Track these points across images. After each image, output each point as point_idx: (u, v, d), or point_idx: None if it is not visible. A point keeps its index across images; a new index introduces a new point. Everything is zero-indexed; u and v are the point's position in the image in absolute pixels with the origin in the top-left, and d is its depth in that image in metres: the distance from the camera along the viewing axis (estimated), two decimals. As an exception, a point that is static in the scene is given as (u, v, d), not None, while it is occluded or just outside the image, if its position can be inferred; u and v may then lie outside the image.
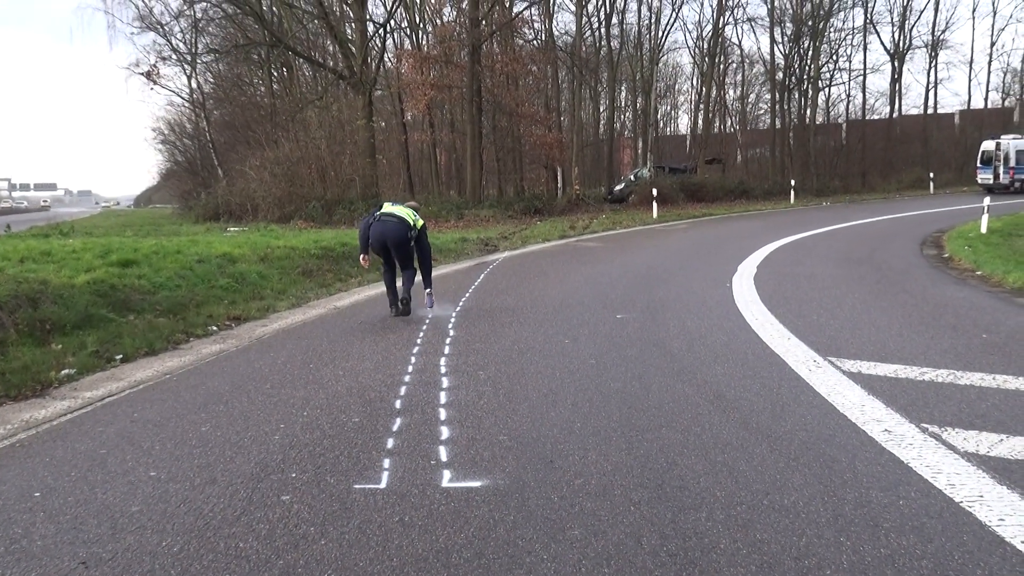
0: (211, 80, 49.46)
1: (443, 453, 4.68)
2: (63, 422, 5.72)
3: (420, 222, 9.99)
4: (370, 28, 32.44)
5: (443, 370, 6.77)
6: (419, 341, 8.05)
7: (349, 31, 34.32)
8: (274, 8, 36.32)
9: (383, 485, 4.22)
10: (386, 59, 39.92)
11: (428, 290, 10.08)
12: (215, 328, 9.23)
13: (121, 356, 7.68)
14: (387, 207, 9.98)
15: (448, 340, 8.06)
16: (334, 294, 12.01)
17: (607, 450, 4.64)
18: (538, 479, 4.22)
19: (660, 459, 4.47)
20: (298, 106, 33.99)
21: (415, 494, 4.08)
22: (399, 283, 9.90)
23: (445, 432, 5.07)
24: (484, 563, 3.34)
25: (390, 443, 4.89)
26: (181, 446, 5.00)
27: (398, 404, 5.77)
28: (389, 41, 39.76)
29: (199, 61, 45.61)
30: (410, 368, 6.88)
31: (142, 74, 35.14)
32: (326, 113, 31.36)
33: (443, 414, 5.47)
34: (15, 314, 8.32)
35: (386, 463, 4.54)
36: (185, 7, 36.47)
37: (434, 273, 10.74)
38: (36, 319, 8.35)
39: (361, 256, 10.18)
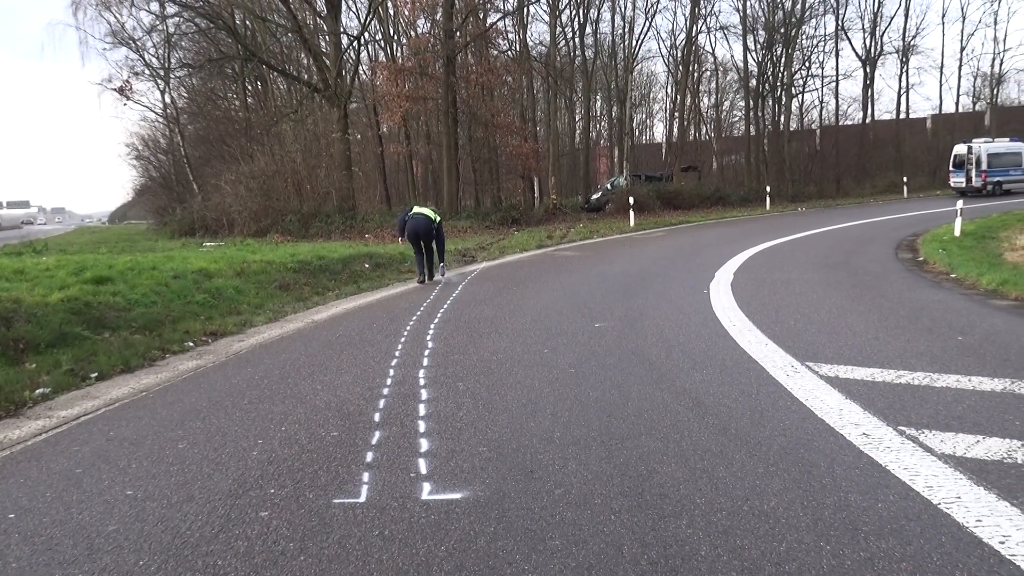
0: (185, 95, 49.20)
1: (423, 466, 4.66)
2: (38, 442, 5.66)
3: (439, 217, 14.74)
4: (344, 41, 32.42)
5: (422, 382, 6.75)
6: (398, 353, 8.02)
7: (323, 44, 34.28)
8: (247, 22, 36.18)
9: (363, 499, 4.20)
10: (361, 71, 40.00)
11: (442, 264, 15.17)
12: (192, 344, 9.16)
13: (96, 374, 7.61)
14: (416, 208, 14.82)
15: (427, 352, 8.04)
16: (312, 308, 11.95)
17: (587, 459, 4.63)
18: (518, 490, 4.21)
19: (640, 467, 4.47)
20: (273, 120, 33.88)
21: (395, 507, 4.06)
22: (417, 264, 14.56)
23: (424, 444, 5.05)
24: (465, 575, 3.32)
25: (369, 457, 4.87)
26: (158, 464, 4.95)
27: (377, 417, 5.75)
28: (364, 53, 39.86)
29: (172, 76, 45.41)
30: (389, 381, 6.86)
31: (115, 90, 35.14)
32: (301, 126, 31.28)
33: (422, 426, 5.45)
34: (-12, 333, 8.22)
35: (365, 477, 4.52)
36: (157, 22, 36.44)
37: (412, 285, 14.23)
38: (9, 338, 8.25)
39: (400, 238, 15.03)
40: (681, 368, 6.87)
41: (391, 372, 7.19)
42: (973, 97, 55.19)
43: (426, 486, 4.34)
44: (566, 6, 41.89)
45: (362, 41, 36.15)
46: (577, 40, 44.10)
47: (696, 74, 50.60)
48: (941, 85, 79.03)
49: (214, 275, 13.14)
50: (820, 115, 54.18)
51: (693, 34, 45.61)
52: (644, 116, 64.86)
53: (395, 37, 40.80)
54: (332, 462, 4.80)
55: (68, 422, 6.13)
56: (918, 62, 75.39)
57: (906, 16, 51.21)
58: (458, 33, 32.20)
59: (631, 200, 30.64)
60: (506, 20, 37.87)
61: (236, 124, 40.25)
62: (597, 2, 44.70)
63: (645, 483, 4.23)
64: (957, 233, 17.21)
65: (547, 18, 40.68)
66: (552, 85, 41.51)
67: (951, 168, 38.38)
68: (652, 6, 45.80)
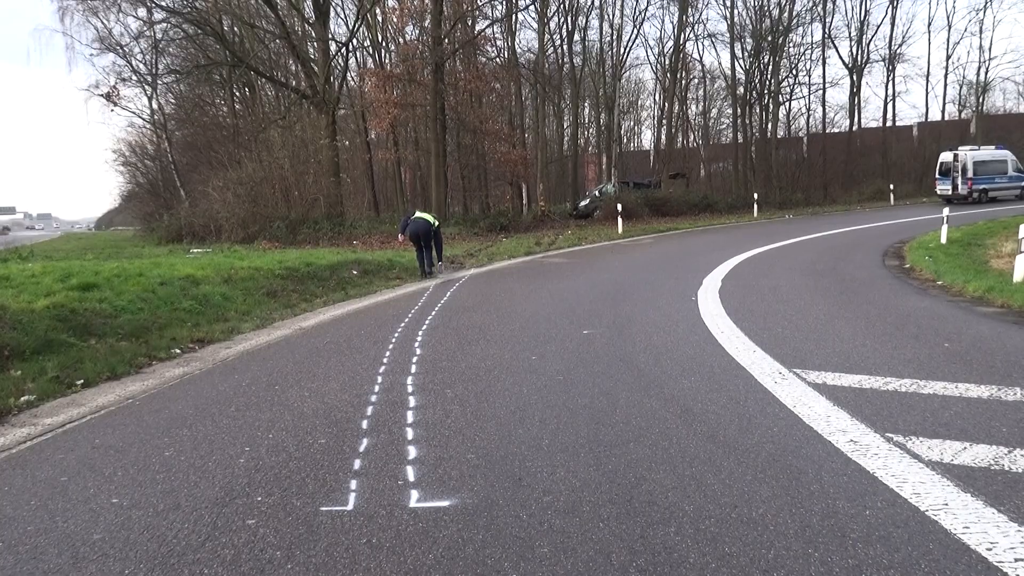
0: (172, 101, 49.04)
1: (411, 473, 4.64)
2: (22, 450, 5.61)
3: (437, 221, 17.39)
4: (332, 47, 32.48)
5: (410, 389, 6.74)
6: (386, 360, 8.00)
7: (311, 50, 34.33)
8: (235, 28, 36.18)
9: (350, 507, 4.18)
10: (349, 78, 39.94)
11: (440, 263, 17.46)
12: (178, 351, 9.11)
13: (82, 381, 7.55)
14: (418, 213, 17.43)
15: (415, 359, 8.02)
16: (299, 314, 11.91)
17: (575, 466, 4.63)
18: (506, 497, 4.20)
19: (628, 474, 4.46)
20: (261, 126, 33.83)
21: (383, 515, 4.05)
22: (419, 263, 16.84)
23: (412, 452, 5.03)
24: (453, 584, 3.31)
25: (357, 464, 4.85)
26: (144, 472, 4.91)
27: (365, 424, 5.73)
28: (352, 60, 39.82)
29: (160, 82, 45.18)
30: (377, 388, 6.84)
31: (102, 96, 35.06)
32: (289, 133, 31.21)
33: (410, 433, 5.43)
34: (-28, 340, 8.16)
35: (353, 484, 4.49)
36: (145, 28, 36.38)
37: (400, 291, 14.38)
38: (-6, 345, 8.20)
39: (400, 236, 17.72)
40: (669, 375, 6.87)
41: (379, 379, 7.17)
42: (959, 105, 55.42)
43: (414, 494, 4.32)
44: (554, 13, 42.11)
45: (350, 48, 36.23)
46: (565, 47, 44.24)
47: (684, 81, 50.81)
48: (927, 93, 79.51)
49: (201, 282, 13.09)
50: (807, 123, 54.38)
51: (681, 42, 45.92)
52: (632, 123, 65.20)
53: (383, 44, 40.88)
54: (320, 469, 4.78)
55: (53, 430, 6.08)
56: (904, 70, 76.05)
57: (892, 25, 51.37)
58: (446, 40, 32.21)
59: (619, 207, 30.68)
60: (494, 27, 38.04)
61: (224, 130, 40.15)
62: (585, 9, 44.96)
63: (633, 490, 4.23)
64: (943, 240, 17.32)
65: (535, 25, 40.94)
66: (540, 92, 41.64)
67: (937, 176, 38.54)
68: (640, 14, 46.02)
